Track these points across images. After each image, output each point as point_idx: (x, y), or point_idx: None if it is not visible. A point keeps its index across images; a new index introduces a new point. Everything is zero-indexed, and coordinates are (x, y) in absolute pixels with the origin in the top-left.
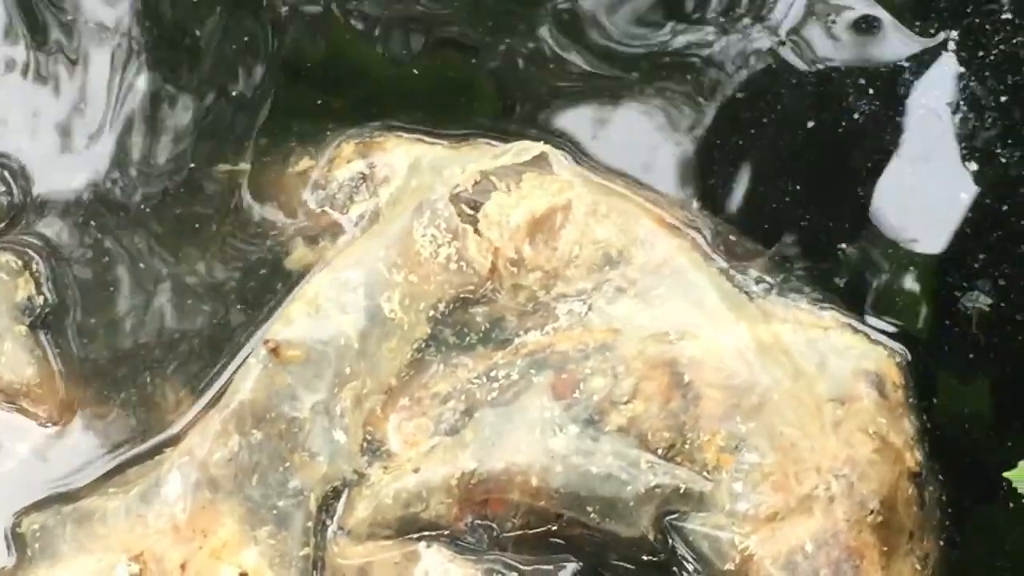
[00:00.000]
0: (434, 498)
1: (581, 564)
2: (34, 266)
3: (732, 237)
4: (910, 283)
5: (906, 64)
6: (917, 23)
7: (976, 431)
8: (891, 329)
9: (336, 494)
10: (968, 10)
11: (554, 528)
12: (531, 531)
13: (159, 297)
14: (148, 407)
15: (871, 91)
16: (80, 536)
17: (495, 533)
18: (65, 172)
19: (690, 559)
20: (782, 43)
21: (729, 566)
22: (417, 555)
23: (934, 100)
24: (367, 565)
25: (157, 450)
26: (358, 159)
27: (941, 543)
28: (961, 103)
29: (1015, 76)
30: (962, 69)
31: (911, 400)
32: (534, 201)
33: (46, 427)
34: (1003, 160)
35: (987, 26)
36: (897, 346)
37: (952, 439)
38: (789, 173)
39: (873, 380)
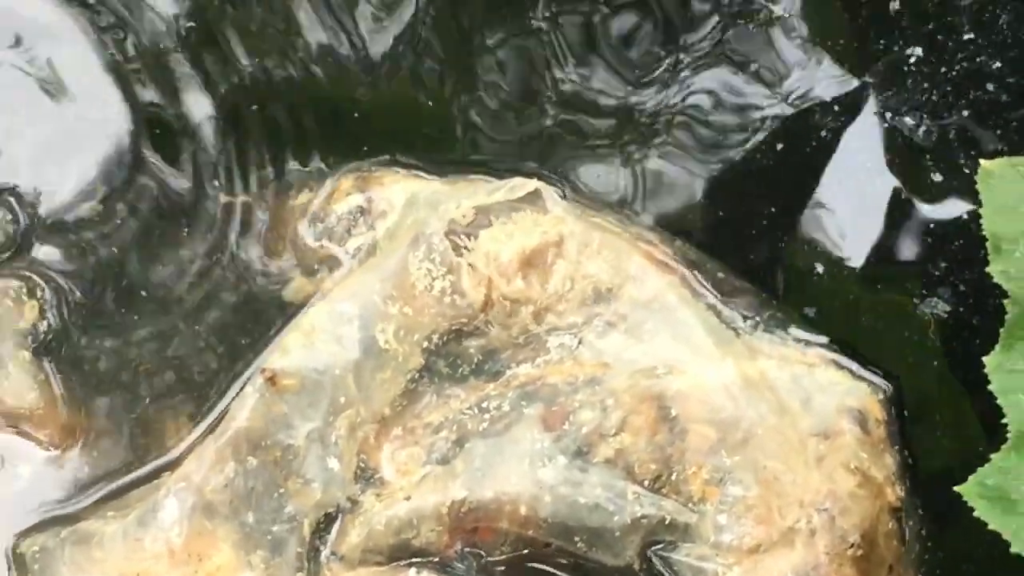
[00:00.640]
0: (425, 525)
1: None
2: (39, 293)
3: (720, 274)
4: (892, 318)
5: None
6: (881, 41)
7: (956, 465)
8: (873, 365)
9: (330, 520)
10: (930, 27)
11: (542, 556)
12: (519, 559)
13: (160, 325)
14: (147, 433)
15: (841, 116)
16: (78, 558)
17: (484, 560)
18: (70, 201)
19: None
20: (758, 77)
21: None
22: None
23: (897, 119)
24: None
25: (156, 474)
26: (356, 193)
27: None
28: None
29: (976, 91)
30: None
31: (893, 435)
32: (527, 236)
33: (48, 451)
34: None
35: (949, 43)
36: (880, 382)
37: (932, 474)
38: (779, 211)
39: (856, 416)
